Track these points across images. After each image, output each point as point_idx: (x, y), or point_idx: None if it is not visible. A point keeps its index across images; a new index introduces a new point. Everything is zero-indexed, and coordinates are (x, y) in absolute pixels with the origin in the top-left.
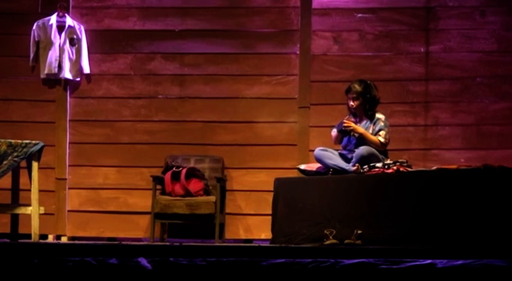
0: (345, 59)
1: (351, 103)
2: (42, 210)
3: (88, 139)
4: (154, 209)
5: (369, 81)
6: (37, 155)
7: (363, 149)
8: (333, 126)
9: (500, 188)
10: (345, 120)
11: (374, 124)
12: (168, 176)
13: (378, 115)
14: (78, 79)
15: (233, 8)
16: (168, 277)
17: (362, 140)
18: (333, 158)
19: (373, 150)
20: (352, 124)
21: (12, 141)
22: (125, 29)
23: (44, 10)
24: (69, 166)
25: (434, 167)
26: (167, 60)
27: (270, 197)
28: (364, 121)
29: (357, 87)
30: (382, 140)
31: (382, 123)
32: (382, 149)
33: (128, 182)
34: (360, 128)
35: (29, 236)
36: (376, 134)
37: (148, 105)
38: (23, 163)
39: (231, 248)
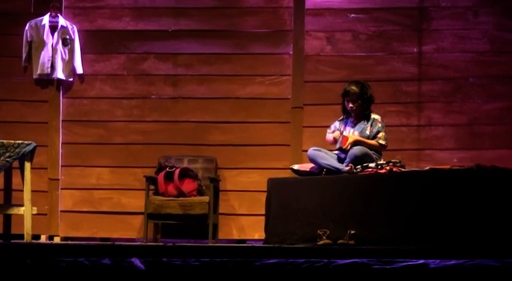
0: (338, 59)
1: (350, 105)
2: (34, 210)
3: (81, 139)
4: (148, 210)
5: (362, 81)
6: (30, 156)
7: (356, 149)
8: (326, 127)
9: (493, 188)
10: (341, 141)
11: (371, 126)
12: (161, 176)
13: (374, 116)
14: (71, 79)
15: (226, 8)
16: (162, 277)
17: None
18: (327, 158)
19: (367, 150)
20: (350, 139)
21: (5, 141)
22: (118, 29)
23: (36, 10)
24: (62, 166)
25: (427, 168)
26: (160, 60)
27: (263, 197)
28: (361, 122)
29: (355, 89)
30: (383, 142)
31: (380, 125)
32: (382, 150)
33: (121, 182)
34: (358, 138)
35: (21, 236)
36: (374, 136)
37: (141, 106)
38: (16, 163)
39: (225, 248)
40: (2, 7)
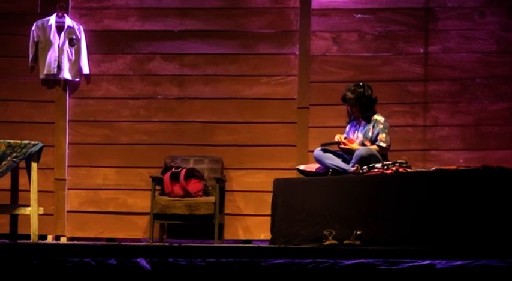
0: (344, 60)
1: (350, 111)
2: (41, 210)
3: (87, 140)
4: (154, 210)
5: (361, 83)
6: (36, 156)
7: (362, 150)
8: (332, 127)
9: (499, 188)
10: (342, 142)
11: (373, 127)
12: (167, 176)
13: (377, 117)
14: (78, 80)
15: (232, 9)
16: (168, 277)
17: (361, 142)
18: (333, 158)
19: (373, 150)
20: (349, 145)
21: (12, 141)
22: (124, 30)
23: (43, 10)
24: (68, 166)
25: (433, 168)
26: (166, 60)
27: (269, 197)
28: (363, 123)
29: (350, 95)
30: (383, 144)
31: (381, 126)
32: (385, 152)
33: (127, 182)
34: (357, 146)
35: (28, 236)
36: (375, 138)
37: (147, 106)
38: (22, 164)
39: (230, 248)
40: (9, 7)
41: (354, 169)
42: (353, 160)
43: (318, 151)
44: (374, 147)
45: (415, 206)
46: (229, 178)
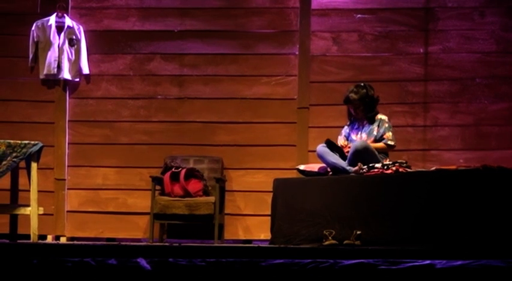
0: (344, 60)
1: (354, 112)
2: (41, 210)
3: (87, 140)
4: (154, 210)
5: (362, 83)
6: (36, 156)
7: (358, 143)
8: (332, 127)
9: (499, 188)
10: (347, 147)
11: (378, 126)
12: (167, 176)
13: (381, 116)
14: (77, 80)
15: (232, 9)
16: (168, 277)
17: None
18: (335, 156)
19: (368, 144)
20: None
21: (12, 141)
22: (124, 30)
23: (43, 10)
24: (68, 166)
25: (433, 168)
26: (166, 60)
27: (269, 197)
28: (367, 124)
29: (354, 96)
30: (391, 143)
31: (386, 125)
32: (391, 150)
33: (127, 182)
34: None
35: (28, 236)
36: (381, 136)
37: (147, 106)
38: (22, 164)
39: (230, 248)
40: (9, 7)
41: (355, 168)
42: (349, 155)
43: (321, 147)
44: (381, 144)
45: (415, 206)
46: (229, 178)
